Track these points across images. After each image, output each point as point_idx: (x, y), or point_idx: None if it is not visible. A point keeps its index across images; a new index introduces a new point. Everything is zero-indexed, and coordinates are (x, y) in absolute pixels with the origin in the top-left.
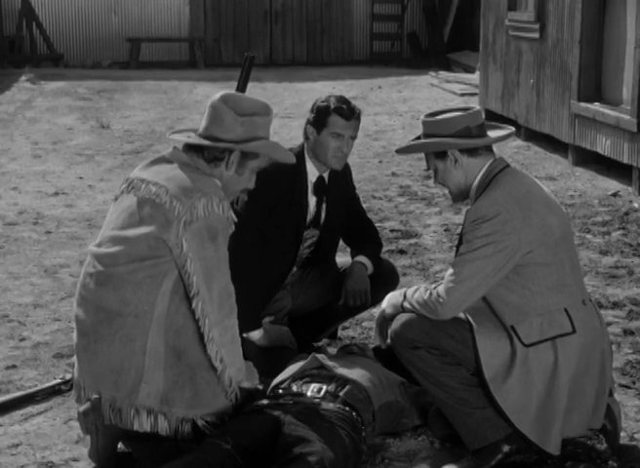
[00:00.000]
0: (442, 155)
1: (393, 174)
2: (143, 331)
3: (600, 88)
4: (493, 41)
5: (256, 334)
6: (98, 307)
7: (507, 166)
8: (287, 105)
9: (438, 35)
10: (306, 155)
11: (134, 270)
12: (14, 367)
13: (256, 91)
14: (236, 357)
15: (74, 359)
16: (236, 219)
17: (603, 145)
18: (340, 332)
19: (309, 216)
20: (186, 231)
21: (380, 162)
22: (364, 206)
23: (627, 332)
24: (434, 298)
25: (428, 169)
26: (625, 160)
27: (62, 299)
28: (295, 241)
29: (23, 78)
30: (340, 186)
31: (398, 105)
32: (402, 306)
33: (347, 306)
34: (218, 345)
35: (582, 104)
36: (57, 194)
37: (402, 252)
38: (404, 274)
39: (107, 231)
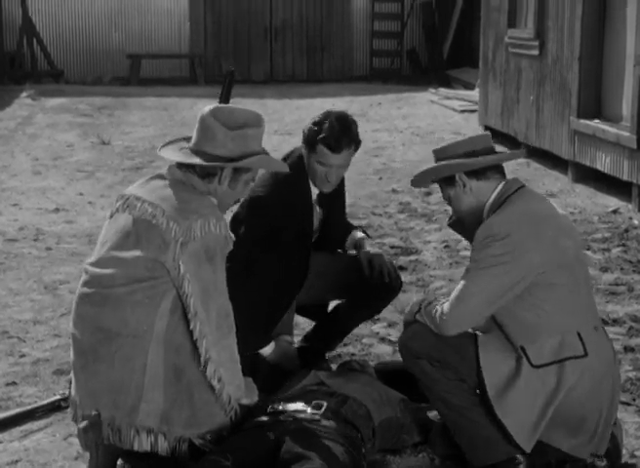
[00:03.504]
0: (451, 182)
1: (393, 190)
2: (143, 351)
3: (600, 104)
4: (492, 58)
5: (266, 350)
6: (96, 328)
7: (522, 186)
8: (287, 122)
9: (438, 52)
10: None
11: (132, 291)
12: (13, 383)
13: (256, 107)
14: (235, 375)
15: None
16: (233, 237)
17: (603, 162)
18: (339, 349)
19: (318, 221)
20: (183, 253)
21: (380, 178)
22: (364, 222)
23: (627, 349)
24: (439, 314)
25: (446, 201)
26: (625, 177)
27: (63, 316)
28: (305, 257)
29: (24, 94)
30: (335, 193)
31: (398, 122)
32: (415, 317)
33: (374, 279)
34: (216, 364)
35: (582, 121)
36: (57, 210)
37: (402, 268)
38: (404, 291)
39: (103, 250)
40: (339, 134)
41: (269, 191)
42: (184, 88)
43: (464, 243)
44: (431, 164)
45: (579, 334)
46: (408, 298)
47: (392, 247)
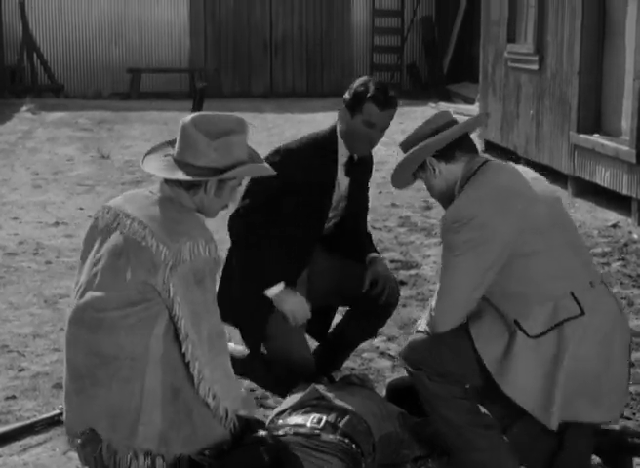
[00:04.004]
0: (423, 167)
1: (393, 204)
2: (140, 373)
3: (599, 119)
4: (492, 72)
5: (274, 290)
6: (91, 352)
7: (486, 161)
8: (287, 136)
9: (438, 67)
10: (338, 135)
11: (126, 315)
12: (13, 397)
13: (256, 121)
14: (231, 389)
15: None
16: (220, 262)
17: (602, 176)
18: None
19: (340, 195)
20: (172, 276)
21: (380, 192)
22: None
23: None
24: (432, 313)
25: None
26: (625, 191)
27: (62, 330)
28: (320, 218)
29: (24, 108)
30: (365, 169)
31: (398, 136)
32: (417, 328)
33: (372, 297)
34: (209, 383)
35: (582, 136)
36: (57, 224)
37: (402, 282)
38: (404, 305)
39: (94, 270)
40: (385, 92)
41: (300, 144)
42: (185, 102)
43: None
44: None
45: (572, 295)
46: (408, 313)
47: (392, 261)
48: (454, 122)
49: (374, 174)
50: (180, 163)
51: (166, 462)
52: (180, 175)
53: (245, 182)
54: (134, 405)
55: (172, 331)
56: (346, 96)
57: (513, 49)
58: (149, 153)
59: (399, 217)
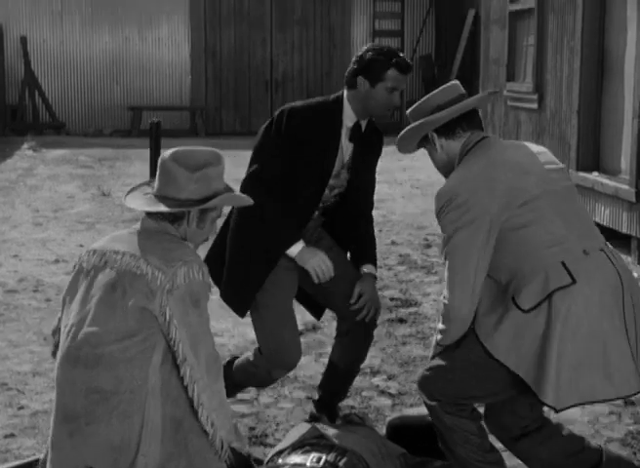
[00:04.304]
0: (426, 141)
1: (393, 242)
2: (140, 406)
3: (598, 158)
4: (492, 111)
5: (295, 249)
6: (89, 389)
7: (484, 138)
8: None
9: None
10: (345, 101)
11: (125, 348)
12: (12, 435)
13: None
14: (226, 419)
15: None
16: (208, 277)
17: (602, 215)
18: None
19: (345, 160)
20: (169, 300)
21: (380, 231)
22: None
23: (628, 403)
24: (444, 306)
25: None
26: (624, 230)
27: None
28: (320, 180)
29: (25, 146)
30: (373, 141)
31: (398, 174)
32: (437, 342)
33: (352, 312)
34: (207, 410)
35: (581, 174)
36: (57, 262)
37: (402, 320)
38: (404, 343)
39: (86, 308)
40: (403, 57)
41: (305, 104)
42: (185, 139)
43: None
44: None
45: (563, 264)
46: (408, 351)
47: (392, 299)
48: (460, 98)
49: (373, 212)
50: (161, 198)
51: None
52: (164, 208)
53: (226, 211)
54: (134, 437)
55: (169, 361)
56: (357, 67)
57: (512, 87)
58: (130, 192)
59: (399, 255)
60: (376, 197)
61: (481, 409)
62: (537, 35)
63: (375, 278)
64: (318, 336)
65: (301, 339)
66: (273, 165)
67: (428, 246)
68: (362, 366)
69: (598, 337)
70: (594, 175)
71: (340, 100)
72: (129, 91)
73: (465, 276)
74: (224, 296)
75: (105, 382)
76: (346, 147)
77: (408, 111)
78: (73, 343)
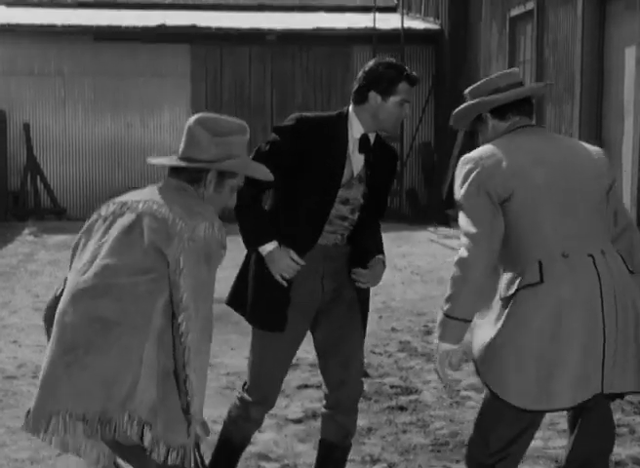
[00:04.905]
0: (480, 119)
1: (393, 329)
2: (140, 344)
3: None
4: None
5: (268, 247)
6: (93, 318)
7: (526, 125)
8: None
9: (437, 192)
10: (352, 114)
11: (135, 283)
12: None
13: None
14: (201, 391)
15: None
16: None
17: None
18: None
19: (356, 172)
20: (185, 249)
21: (380, 317)
22: (364, 360)
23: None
24: (457, 264)
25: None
26: None
27: (60, 455)
28: (326, 188)
29: (26, 231)
30: (384, 155)
31: (397, 260)
32: (443, 314)
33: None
34: (188, 364)
35: None
36: None
37: (402, 408)
38: (404, 431)
39: (102, 247)
40: (409, 69)
41: (313, 114)
42: None
43: (464, 383)
44: (465, 104)
45: (539, 263)
46: (408, 439)
47: (392, 386)
48: (518, 84)
49: (373, 298)
50: (182, 158)
51: (151, 436)
52: (182, 163)
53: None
54: (132, 372)
55: (168, 314)
56: (367, 81)
57: None
58: (155, 158)
59: (399, 342)
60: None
61: None
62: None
63: (384, 263)
64: (318, 424)
65: (301, 427)
66: (272, 163)
67: (428, 332)
68: (362, 454)
69: (555, 338)
70: None
71: (344, 115)
72: (130, 177)
73: (479, 230)
74: (254, 318)
75: (111, 312)
76: (357, 159)
77: (467, 90)
78: (84, 277)
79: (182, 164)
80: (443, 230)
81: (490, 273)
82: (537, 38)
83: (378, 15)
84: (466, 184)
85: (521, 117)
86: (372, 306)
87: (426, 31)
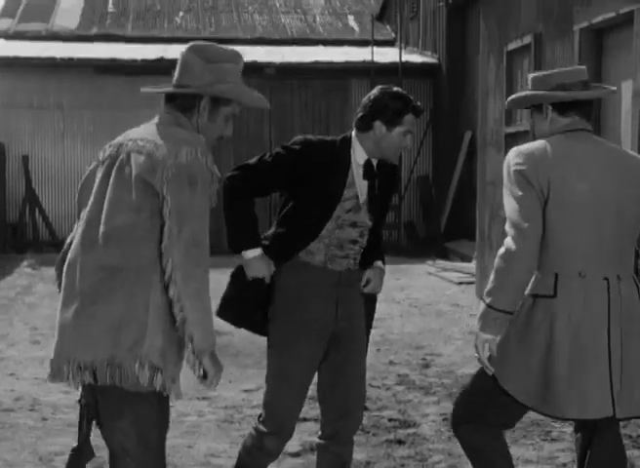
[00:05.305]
0: (539, 109)
1: (391, 362)
2: (145, 288)
3: None
4: (489, 231)
5: (251, 253)
6: (98, 267)
7: (582, 130)
8: None
9: (435, 225)
10: (355, 140)
11: (133, 225)
12: None
13: None
14: (203, 319)
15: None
16: (219, 175)
17: None
18: None
19: (362, 198)
20: (168, 175)
21: (379, 350)
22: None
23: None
24: (503, 257)
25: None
26: None
27: None
28: (324, 205)
29: (25, 263)
30: (386, 174)
31: (396, 293)
32: (486, 305)
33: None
34: (179, 291)
35: None
36: None
37: (400, 441)
38: (402, 465)
39: (102, 194)
40: (414, 100)
41: (317, 137)
42: None
43: None
44: (526, 92)
45: (555, 275)
46: None
47: (390, 419)
48: (584, 83)
49: (371, 331)
50: (175, 86)
51: (164, 379)
52: (172, 89)
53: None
54: (137, 317)
55: None
56: (372, 111)
57: None
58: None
59: (397, 375)
60: (375, 315)
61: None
62: None
63: (383, 271)
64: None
65: (299, 460)
66: (268, 173)
67: (427, 366)
68: None
69: (559, 352)
70: None
71: (347, 139)
72: None
73: (522, 219)
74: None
75: (114, 258)
76: (362, 184)
77: (532, 75)
78: (89, 226)
79: (174, 90)
80: (441, 263)
81: (533, 269)
82: (534, 72)
83: (375, 48)
84: (517, 174)
85: (580, 117)
86: (370, 339)
87: (424, 65)
